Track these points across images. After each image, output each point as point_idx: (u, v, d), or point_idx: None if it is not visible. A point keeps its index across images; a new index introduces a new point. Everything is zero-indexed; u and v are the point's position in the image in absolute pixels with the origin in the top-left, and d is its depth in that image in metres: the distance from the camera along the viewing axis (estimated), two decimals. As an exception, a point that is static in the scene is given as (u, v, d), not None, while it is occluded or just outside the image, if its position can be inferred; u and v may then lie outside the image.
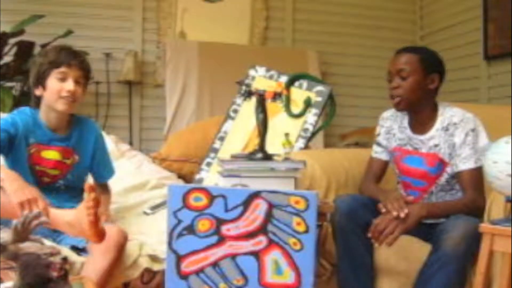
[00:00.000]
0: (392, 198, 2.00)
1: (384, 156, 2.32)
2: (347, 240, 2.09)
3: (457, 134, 2.10)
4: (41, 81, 2.17)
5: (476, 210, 2.01)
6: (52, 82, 2.15)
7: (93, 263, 1.95)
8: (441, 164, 2.14)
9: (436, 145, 2.14)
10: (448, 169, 2.14)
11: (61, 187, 2.22)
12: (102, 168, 2.35)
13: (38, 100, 2.21)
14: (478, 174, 2.04)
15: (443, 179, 2.15)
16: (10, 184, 1.94)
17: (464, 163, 2.09)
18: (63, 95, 2.15)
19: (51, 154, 2.19)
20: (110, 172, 2.39)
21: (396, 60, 2.15)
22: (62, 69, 2.15)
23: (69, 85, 2.15)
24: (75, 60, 2.18)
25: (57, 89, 2.15)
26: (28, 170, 2.15)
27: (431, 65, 2.15)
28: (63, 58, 2.16)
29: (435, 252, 1.94)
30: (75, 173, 2.24)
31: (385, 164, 2.33)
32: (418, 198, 2.18)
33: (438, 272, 1.89)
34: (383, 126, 2.32)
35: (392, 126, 2.28)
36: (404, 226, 1.94)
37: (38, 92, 2.19)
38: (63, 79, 2.15)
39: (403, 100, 2.13)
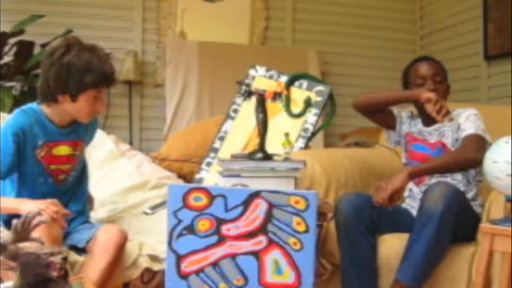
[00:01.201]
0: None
1: (394, 112, 2.39)
2: (351, 239, 2.11)
3: (460, 118, 2.24)
4: (71, 93, 2.01)
5: (469, 161, 2.09)
6: (85, 100, 2.03)
7: (93, 263, 1.96)
8: (442, 148, 2.25)
9: (442, 133, 2.27)
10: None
11: (71, 180, 2.16)
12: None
13: (53, 99, 2.04)
14: (479, 138, 2.13)
15: None
16: (23, 204, 1.90)
17: (466, 131, 2.18)
18: (92, 114, 2.09)
19: (63, 150, 2.10)
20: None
21: (428, 66, 2.32)
22: (100, 89, 2.05)
23: (100, 106, 2.08)
24: (114, 80, 2.11)
25: (89, 109, 2.05)
26: (43, 171, 2.07)
27: (447, 74, 2.36)
28: (107, 79, 2.05)
29: (418, 213, 2.04)
30: (80, 160, 2.20)
31: (392, 113, 2.39)
32: (422, 179, 2.27)
33: (421, 232, 1.96)
34: (400, 112, 2.44)
35: (406, 118, 2.41)
36: (392, 186, 2.03)
37: (61, 99, 2.02)
38: (96, 98, 2.05)
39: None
